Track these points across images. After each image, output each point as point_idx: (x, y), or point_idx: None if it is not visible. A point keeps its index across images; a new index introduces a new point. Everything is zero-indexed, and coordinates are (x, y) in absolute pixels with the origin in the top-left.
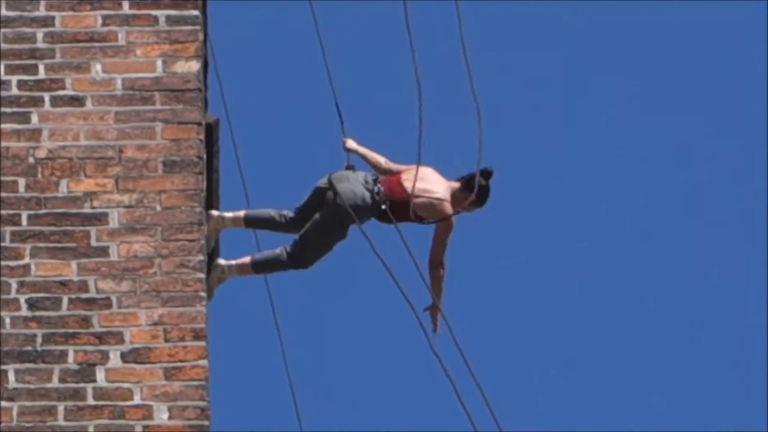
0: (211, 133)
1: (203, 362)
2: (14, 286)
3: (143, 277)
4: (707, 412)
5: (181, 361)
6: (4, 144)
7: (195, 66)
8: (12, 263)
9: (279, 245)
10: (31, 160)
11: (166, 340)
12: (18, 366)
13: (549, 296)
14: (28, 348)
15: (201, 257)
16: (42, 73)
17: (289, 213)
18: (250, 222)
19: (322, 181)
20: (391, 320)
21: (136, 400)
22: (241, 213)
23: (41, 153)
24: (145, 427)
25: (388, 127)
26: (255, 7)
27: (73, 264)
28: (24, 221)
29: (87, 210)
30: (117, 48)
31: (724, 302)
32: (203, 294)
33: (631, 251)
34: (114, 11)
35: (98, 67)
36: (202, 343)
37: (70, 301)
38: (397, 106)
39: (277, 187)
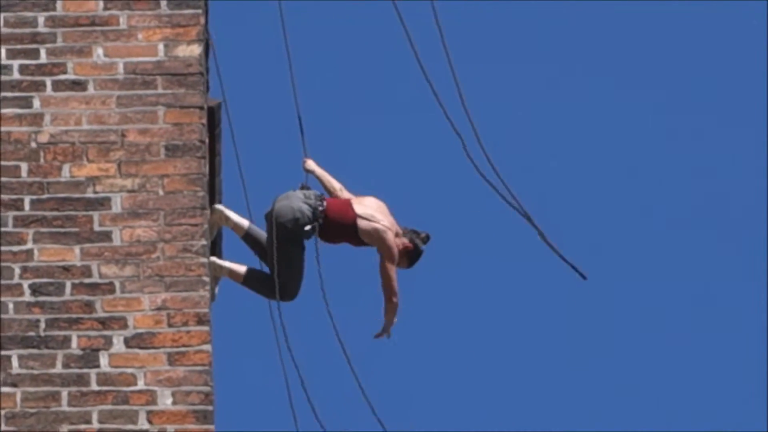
0: (213, 116)
1: (207, 347)
2: (17, 271)
3: (146, 261)
4: (707, 412)
5: (184, 345)
6: (5, 129)
7: (197, 50)
8: (15, 248)
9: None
10: (33, 144)
11: (170, 325)
12: (21, 351)
13: (549, 295)
14: (32, 333)
15: (204, 242)
16: (43, 58)
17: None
18: (248, 238)
19: (268, 209)
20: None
21: (140, 385)
22: (245, 224)
23: (43, 138)
24: (148, 412)
25: (391, 115)
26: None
27: (76, 249)
28: (26, 206)
29: (90, 195)
30: (119, 32)
31: (724, 302)
32: (206, 278)
33: (630, 251)
34: None
35: (100, 51)
36: (206, 328)
37: (74, 286)
38: (400, 99)
39: (276, 173)
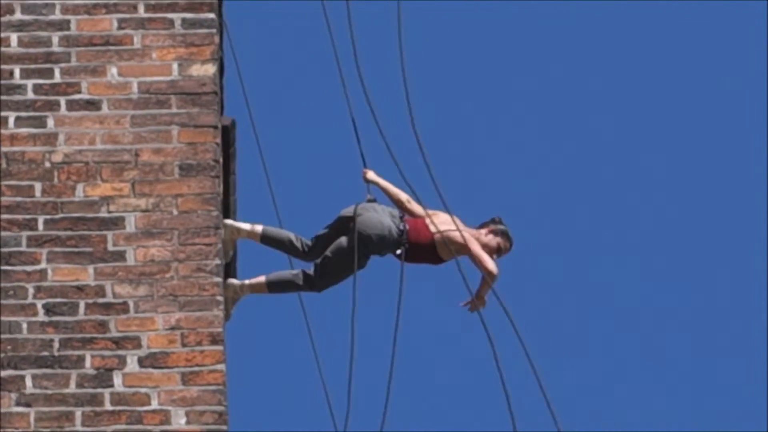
0: (227, 135)
1: (221, 366)
2: (31, 291)
3: (160, 281)
4: (707, 412)
5: (198, 365)
6: (19, 148)
7: (211, 69)
8: (29, 268)
9: (291, 265)
10: (47, 164)
11: (184, 345)
12: (35, 371)
13: (548, 295)
14: (45, 353)
15: (218, 261)
16: (58, 77)
17: (308, 241)
18: (266, 239)
19: (347, 211)
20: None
21: (154, 405)
22: (259, 228)
23: (57, 157)
24: None
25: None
26: (275, 8)
27: (90, 269)
28: (40, 226)
29: (103, 214)
30: (133, 51)
31: (724, 302)
32: (220, 298)
33: (630, 251)
34: (130, 14)
35: (114, 70)
36: (220, 348)
37: (87, 305)
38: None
39: (298, 188)
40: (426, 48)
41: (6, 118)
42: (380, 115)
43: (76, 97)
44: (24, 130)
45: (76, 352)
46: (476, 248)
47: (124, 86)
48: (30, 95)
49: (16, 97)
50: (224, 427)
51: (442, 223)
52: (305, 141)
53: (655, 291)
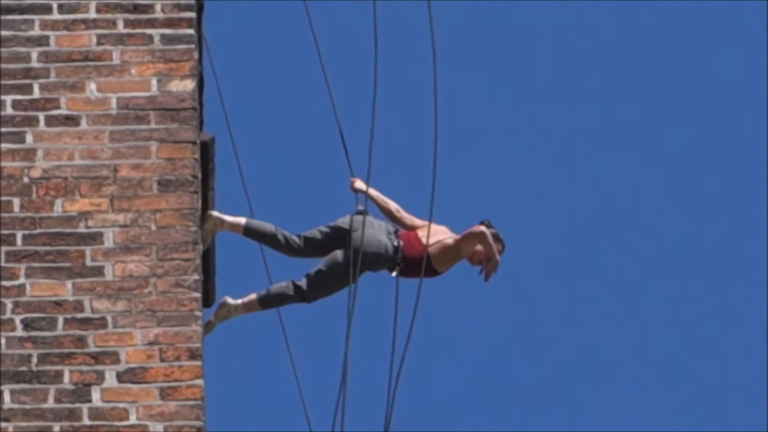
0: (206, 151)
1: (199, 381)
2: (9, 306)
3: (138, 296)
4: (707, 412)
5: (176, 380)
6: None
7: (190, 85)
8: (7, 283)
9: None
10: (25, 179)
11: (162, 360)
12: (13, 386)
13: (547, 295)
14: (24, 368)
15: (196, 276)
16: (37, 93)
17: (296, 238)
18: (249, 232)
19: (344, 221)
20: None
21: (132, 419)
22: (242, 220)
23: (36, 173)
24: None
25: (396, 147)
26: (255, 24)
27: (68, 284)
28: (19, 241)
29: (82, 230)
30: (112, 67)
31: (724, 302)
32: (199, 313)
33: (629, 251)
34: (109, 30)
35: (93, 86)
36: (198, 363)
37: (66, 321)
38: (404, 127)
39: (277, 202)
40: (406, 55)
41: None
42: (363, 128)
43: (55, 112)
44: (3, 146)
45: (55, 367)
46: (464, 239)
47: (102, 102)
48: (9, 111)
49: None
50: None
51: (433, 233)
52: (284, 156)
53: (655, 291)
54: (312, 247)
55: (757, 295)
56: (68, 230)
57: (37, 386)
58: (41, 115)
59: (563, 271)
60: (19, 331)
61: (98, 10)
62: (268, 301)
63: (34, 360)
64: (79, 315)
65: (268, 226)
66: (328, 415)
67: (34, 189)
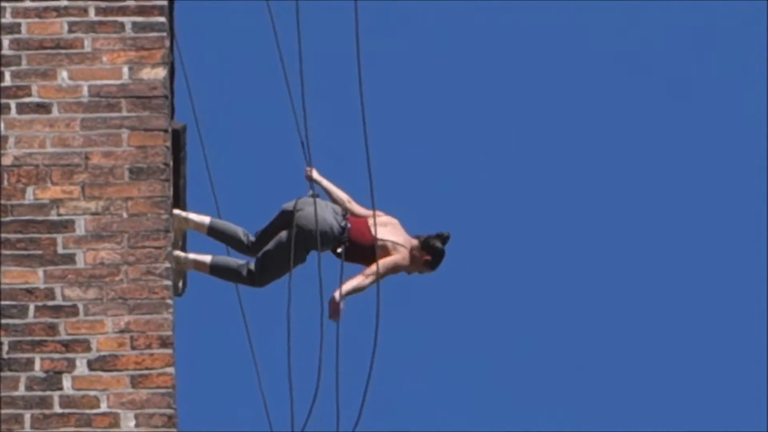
0: (178, 139)
1: (170, 369)
2: None
3: (110, 284)
4: (707, 412)
5: (147, 368)
6: None
7: (161, 73)
8: None
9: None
10: None
11: (133, 348)
12: None
13: (548, 294)
14: None
15: (168, 264)
16: (8, 80)
17: (253, 239)
18: (213, 232)
19: (288, 205)
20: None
21: (103, 407)
22: (207, 219)
23: (7, 160)
24: None
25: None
26: (224, 11)
27: (40, 271)
28: None
29: (53, 217)
30: (83, 55)
31: (724, 302)
32: (170, 301)
33: (629, 250)
34: (80, 18)
35: (64, 74)
36: (169, 351)
37: (37, 308)
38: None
39: (246, 193)
40: (375, 49)
41: None
42: (324, 115)
43: (27, 100)
44: None
45: (26, 355)
46: (394, 259)
47: (74, 90)
48: None
49: None
50: (173, 430)
51: (383, 224)
52: (253, 145)
53: (655, 291)
54: (265, 239)
55: (756, 295)
56: (40, 218)
57: (8, 374)
58: (13, 103)
59: (563, 271)
60: None
61: None
62: (219, 271)
63: (5, 347)
64: (51, 303)
65: (232, 227)
66: (301, 411)
67: (5, 176)
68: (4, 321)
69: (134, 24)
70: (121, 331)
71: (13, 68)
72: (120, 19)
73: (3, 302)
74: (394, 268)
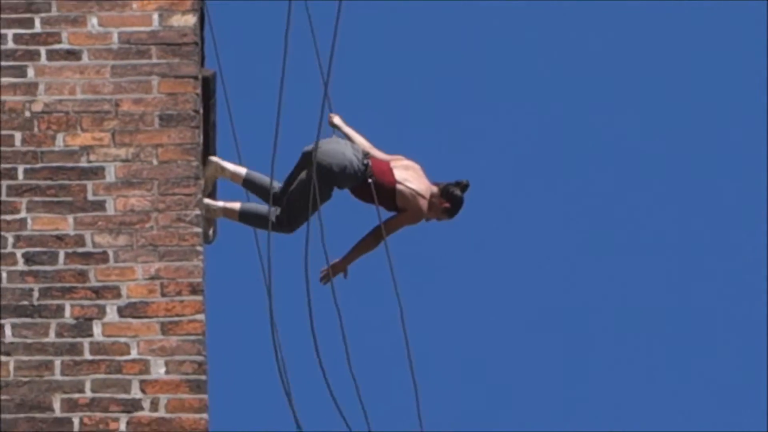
0: (208, 86)
1: (200, 317)
2: (11, 240)
3: (140, 231)
4: (707, 412)
5: (177, 315)
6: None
7: (191, 20)
8: (8, 217)
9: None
10: (27, 114)
11: (163, 295)
12: (15, 320)
13: (548, 295)
14: (25, 302)
15: (198, 211)
16: (38, 27)
17: (279, 185)
18: (248, 183)
19: (308, 147)
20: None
21: (133, 354)
22: (243, 171)
23: (37, 107)
24: (141, 381)
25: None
26: None
27: (70, 218)
28: (20, 175)
29: (83, 164)
30: (113, 2)
31: (724, 302)
32: (200, 248)
33: (629, 250)
34: None
35: (94, 20)
36: (199, 298)
37: (67, 255)
38: (390, 71)
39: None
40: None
41: None
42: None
43: (57, 47)
44: (4, 80)
45: (56, 302)
46: (401, 222)
47: (104, 36)
48: (10, 45)
49: None
50: (203, 377)
51: (404, 168)
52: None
53: (655, 290)
54: (290, 185)
55: (756, 295)
56: (70, 164)
57: (39, 320)
58: (43, 50)
59: (563, 270)
60: (21, 265)
61: None
62: (248, 218)
63: (36, 294)
64: (81, 249)
65: (267, 180)
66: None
67: (35, 123)
68: (34, 267)
69: None
70: (151, 278)
71: (43, 15)
72: None
73: (33, 249)
74: (401, 226)
